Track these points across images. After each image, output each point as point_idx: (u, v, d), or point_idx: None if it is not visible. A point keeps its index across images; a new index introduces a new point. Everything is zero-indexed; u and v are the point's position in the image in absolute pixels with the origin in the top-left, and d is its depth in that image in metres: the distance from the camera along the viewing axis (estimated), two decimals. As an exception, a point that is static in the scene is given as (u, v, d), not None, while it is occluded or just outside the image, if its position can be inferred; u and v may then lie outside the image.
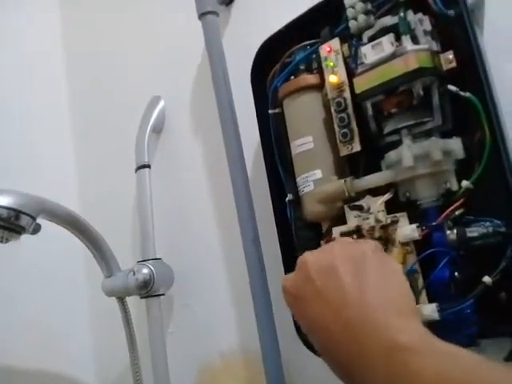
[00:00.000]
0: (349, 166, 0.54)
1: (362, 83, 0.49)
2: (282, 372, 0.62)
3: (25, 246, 0.70)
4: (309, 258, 0.38)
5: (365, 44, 0.50)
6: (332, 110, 0.53)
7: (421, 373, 0.28)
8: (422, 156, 0.46)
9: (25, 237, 0.65)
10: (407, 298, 0.35)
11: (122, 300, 0.76)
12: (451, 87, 0.46)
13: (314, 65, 0.56)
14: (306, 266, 0.38)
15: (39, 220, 0.65)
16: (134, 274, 0.73)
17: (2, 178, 0.82)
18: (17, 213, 0.62)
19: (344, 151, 0.52)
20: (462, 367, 0.28)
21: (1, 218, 0.61)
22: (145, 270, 0.73)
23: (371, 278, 0.35)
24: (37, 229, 0.66)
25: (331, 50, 0.53)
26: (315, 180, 0.54)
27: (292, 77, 0.57)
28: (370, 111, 0.50)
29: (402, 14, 0.47)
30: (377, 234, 0.49)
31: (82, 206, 0.91)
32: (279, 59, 0.58)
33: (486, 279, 0.43)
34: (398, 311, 0.33)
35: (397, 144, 0.48)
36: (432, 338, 0.31)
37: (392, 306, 0.33)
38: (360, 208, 0.50)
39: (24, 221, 0.63)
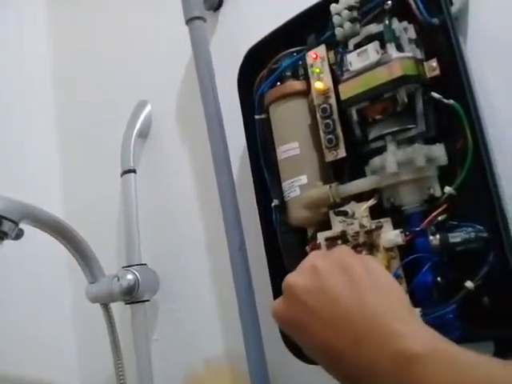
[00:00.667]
0: (334, 172, 0.55)
1: (348, 90, 0.50)
2: (267, 378, 0.62)
3: (7, 252, 0.69)
4: (294, 280, 0.36)
5: (350, 51, 0.50)
6: (318, 116, 0.53)
7: (433, 381, 0.27)
8: (405, 162, 0.47)
9: (7, 242, 0.64)
10: (403, 299, 0.34)
11: (106, 306, 0.75)
12: (435, 94, 0.47)
13: (300, 71, 0.57)
14: (294, 291, 0.36)
15: (22, 225, 0.65)
16: (119, 280, 0.72)
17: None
18: (-1, 218, 0.61)
19: (329, 157, 0.53)
20: (474, 373, 0.27)
21: (-18, 222, 0.60)
22: (129, 276, 0.73)
23: (363, 284, 0.34)
24: (19, 234, 0.65)
25: (317, 57, 0.54)
26: (301, 185, 0.54)
27: (278, 83, 0.57)
28: (354, 117, 0.50)
29: (387, 22, 0.48)
30: (361, 239, 0.49)
31: (66, 211, 0.91)
32: (266, 65, 0.59)
33: (469, 284, 0.44)
34: (400, 315, 0.32)
35: (381, 150, 0.49)
36: (442, 344, 0.30)
37: (392, 310, 0.32)
38: (345, 213, 0.50)
39: (6, 226, 0.62)
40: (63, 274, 0.94)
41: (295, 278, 0.37)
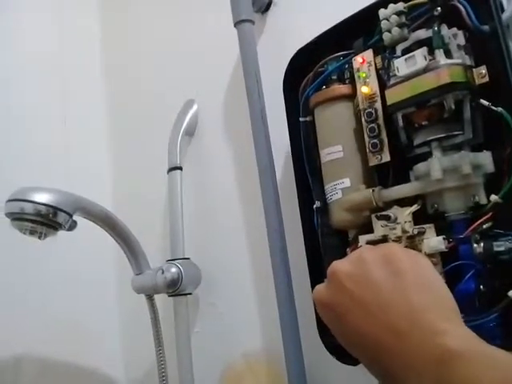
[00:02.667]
0: (377, 176, 0.55)
1: (394, 95, 0.50)
2: (304, 375, 0.63)
3: (59, 242, 0.73)
4: (339, 267, 0.37)
5: (398, 56, 0.50)
6: (362, 120, 0.54)
7: (476, 379, 0.27)
8: (451, 169, 0.47)
9: (60, 233, 0.68)
10: (448, 297, 0.34)
11: (150, 297, 0.78)
12: (483, 102, 0.47)
13: (346, 75, 0.57)
14: (337, 276, 0.36)
15: (75, 217, 0.68)
16: (163, 273, 0.75)
17: (42, 178, 0.85)
18: (55, 210, 0.64)
19: (373, 161, 0.53)
20: None
21: (40, 214, 0.63)
22: (173, 269, 0.75)
23: (409, 278, 0.33)
24: (73, 225, 0.69)
25: (364, 62, 0.54)
26: (343, 188, 0.55)
27: (324, 86, 0.58)
28: (400, 122, 0.50)
29: (436, 28, 0.48)
30: (403, 244, 0.49)
31: (115, 204, 0.94)
32: (312, 69, 0.59)
33: (511, 294, 0.43)
34: (443, 313, 0.32)
35: (426, 156, 0.49)
36: (483, 345, 0.30)
37: (436, 307, 0.32)
38: (387, 218, 0.50)
39: (61, 217, 0.65)
40: (110, 265, 0.98)
41: (341, 265, 0.37)
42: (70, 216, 0.67)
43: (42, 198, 0.64)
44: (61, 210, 0.65)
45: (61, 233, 0.68)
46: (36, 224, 0.64)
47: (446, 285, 0.35)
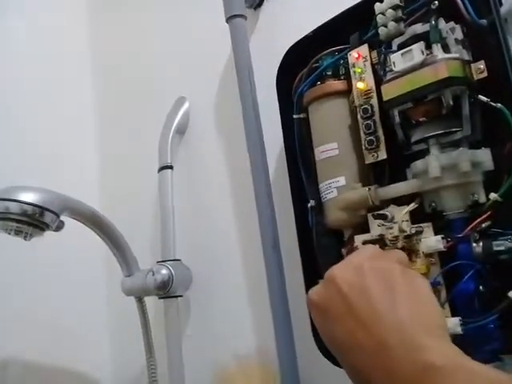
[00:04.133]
0: (373, 174, 0.54)
1: (390, 90, 0.48)
2: (298, 379, 0.61)
3: (45, 243, 0.71)
4: (338, 272, 0.37)
5: (394, 51, 0.49)
6: (358, 116, 0.53)
7: None
8: (449, 166, 0.45)
9: (47, 233, 0.66)
10: (437, 315, 0.35)
11: (140, 300, 0.76)
12: (482, 97, 0.46)
13: (341, 71, 0.56)
14: (335, 281, 0.37)
15: (62, 217, 0.66)
16: (153, 274, 0.73)
17: (28, 177, 0.83)
18: (41, 209, 0.63)
19: (369, 159, 0.52)
20: None
21: (26, 214, 0.62)
22: (164, 271, 0.74)
23: (402, 295, 0.35)
24: (60, 226, 0.67)
25: (360, 57, 0.53)
26: (338, 187, 0.54)
27: (318, 82, 0.57)
28: (397, 119, 0.49)
29: (433, 22, 0.47)
30: (400, 243, 0.48)
31: (103, 204, 0.92)
32: (305, 64, 0.58)
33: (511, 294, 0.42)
34: (429, 330, 0.33)
35: (424, 153, 0.48)
36: (464, 360, 0.30)
37: (423, 324, 0.33)
38: (384, 217, 0.49)
39: (48, 218, 0.64)
40: (98, 267, 0.96)
41: (341, 270, 0.38)
42: (58, 216, 0.65)
43: (28, 197, 0.62)
44: (48, 210, 0.63)
45: (48, 233, 0.66)
46: (22, 224, 0.62)
47: (443, 288, 0.39)
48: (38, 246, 0.69)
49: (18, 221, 0.62)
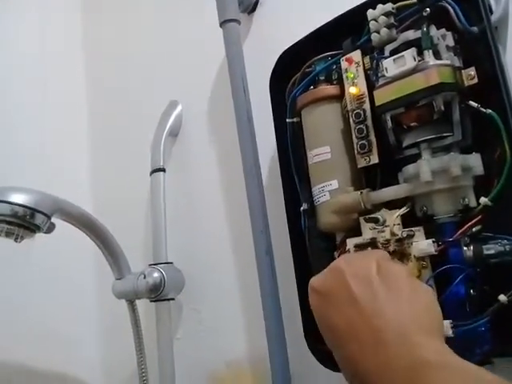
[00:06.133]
0: (365, 178, 0.54)
1: (383, 95, 0.49)
2: (289, 382, 0.61)
3: (36, 245, 0.70)
4: (345, 263, 0.39)
5: (386, 57, 0.50)
6: (351, 121, 0.53)
7: None
8: (440, 171, 0.46)
9: (37, 236, 0.66)
10: (435, 316, 0.36)
11: (131, 303, 0.76)
12: (472, 103, 0.46)
13: (334, 76, 0.57)
14: (341, 269, 0.38)
15: (53, 219, 0.66)
16: (145, 277, 0.73)
17: (18, 178, 0.82)
18: (32, 211, 0.62)
19: (361, 163, 0.52)
20: None
21: (16, 215, 0.61)
22: (156, 274, 0.73)
23: (405, 296, 0.36)
24: (51, 228, 0.66)
25: (352, 62, 0.54)
26: (331, 190, 0.54)
27: (311, 87, 0.57)
28: (389, 124, 0.50)
29: (425, 29, 0.47)
30: (392, 247, 0.49)
31: (95, 207, 0.92)
32: (299, 69, 0.59)
33: (502, 298, 0.43)
34: (426, 328, 0.34)
35: (415, 158, 0.48)
36: (456, 358, 0.31)
37: (421, 322, 0.34)
38: (376, 220, 0.50)
39: (39, 219, 0.63)
40: (89, 270, 0.95)
41: (348, 263, 0.39)
42: (49, 218, 0.65)
43: (19, 198, 0.61)
44: (38, 212, 0.63)
45: (38, 235, 0.65)
46: (12, 226, 0.62)
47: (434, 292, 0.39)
48: (28, 248, 0.69)
49: (8, 222, 0.61)
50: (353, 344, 0.34)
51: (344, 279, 0.37)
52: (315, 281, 0.40)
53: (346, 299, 0.36)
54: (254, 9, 0.73)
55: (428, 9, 0.48)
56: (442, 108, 0.46)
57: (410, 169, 0.48)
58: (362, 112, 0.52)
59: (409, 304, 0.35)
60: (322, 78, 0.57)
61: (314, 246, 0.57)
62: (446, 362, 0.30)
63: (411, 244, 0.47)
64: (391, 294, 0.36)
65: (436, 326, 0.36)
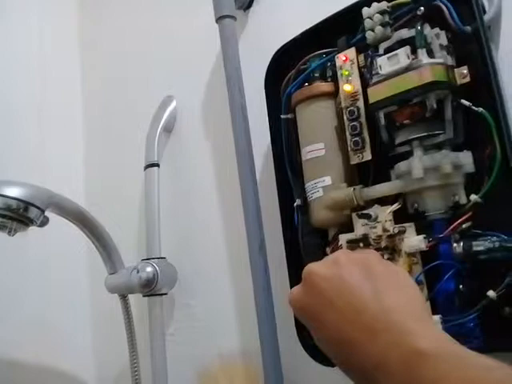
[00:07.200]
0: (358, 175, 0.55)
1: (376, 93, 0.50)
2: (281, 378, 0.62)
3: (28, 239, 0.70)
4: (314, 269, 0.37)
5: (380, 55, 0.50)
6: (345, 118, 0.54)
7: (442, 379, 0.27)
8: (432, 168, 0.47)
9: (29, 229, 0.66)
10: (419, 300, 0.35)
11: (124, 297, 0.76)
12: (464, 102, 0.47)
13: (329, 73, 0.57)
14: (312, 277, 0.36)
15: (47, 213, 0.66)
16: (138, 272, 0.73)
17: (12, 171, 0.82)
18: (26, 204, 0.62)
19: (355, 159, 0.53)
20: (486, 374, 0.27)
21: (10, 208, 0.61)
22: (149, 269, 0.74)
23: (382, 281, 0.34)
24: (45, 221, 0.66)
25: (347, 59, 0.54)
26: (324, 186, 0.55)
27: (306, 84, 0.58)
28: (382, 121, 0.50)
29: (419, 28, 0.48)
30: (383, 243, 0.49)
31: (89, 201, 0.92)
32: (294, 66, 0.59)
33: (491, 293, 0.43)
34: (415, 315, 0.32)
35: (407, 155, 0.49)
36: (451, 344, 0.30)
37: (408, 309, 0.33)
38: (368, 216, 0.50)
39: (33, 213, 0.63)
40: (82, 264, 0.95)
41: (316, 267, 0.37)
42: (42, 211, 0.65)
43: (13, 191, 0.61)
44: (32, 205, 0.63)
45: (32, 229, 0.65)
46: (6, 219, 0.62)
47: (424, 287, 0.38)
48: (21, 242, 0.69)
49: (1, 215, 0.61)
50: (346, 349, 0.33)
51: (317, 285, 0.35)
52: (294, 295, 0.38)
53: (324, 307, 0.34)
54: (249, 5, 0.73)
55: (422, 8, 0.48)
56: (435, 106, 0.47)
57: (402, 166, 0.49)
58: (355, 109, 0.53)
59: (389, 289, 0.34)
60: (316, 75, 0.57)
61: (306, 241, 0.57)
62: (443, 352, 0.29)
63: (402, 240, 0.48)
64: (368, 284, 0.34)
65: (421, 306, 0.34)
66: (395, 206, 0.49)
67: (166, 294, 0.77)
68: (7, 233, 0.63)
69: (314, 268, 0.37)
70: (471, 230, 0.46)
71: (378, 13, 0.51)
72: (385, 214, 0.49)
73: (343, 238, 0.52)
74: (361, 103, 0.53)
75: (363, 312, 0.33)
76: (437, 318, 0.44)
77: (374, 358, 0.31)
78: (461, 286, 0.45)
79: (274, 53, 0.63)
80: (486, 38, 0.46)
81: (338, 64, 0.55)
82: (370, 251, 0.40)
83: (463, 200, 0.47)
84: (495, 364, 0.28)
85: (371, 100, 0.50)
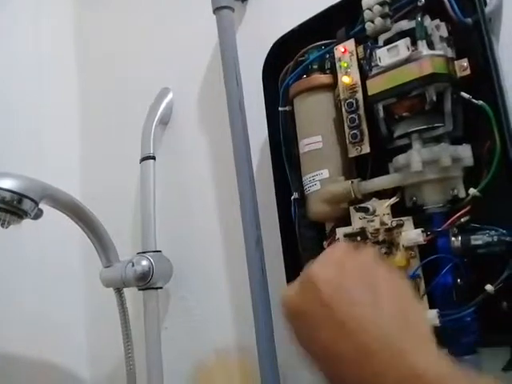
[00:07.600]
0: (356, 168, 0.54)
1: (375, 85, 0.49)
2: (277, 371, 0.61)
3: (23, 231, 0.69)
4: (318, 271, 0.33)
5: (380, 47, 0.50)
6: (343, 110, 0.53)
7: None
8: (430, 161, 0.46)
9: (24, 222, 0.65)
10: (423, 323, 0.33)
11: (119, 291, 0.75)
12: (464, 94, 0.46)
13: (327, 65, 0.56)
14: (314, 281, 0.33)
15: (41, 205, 0.65)
16: (133, 266, 0.72)
17: (7, 163, 0.81)
18: (20, 196, 0.61)
19: (353, 152, 0.52)
20: None
21: (4, 200, 0.60)
22: (144, 262, 0.73)
23: (387, 301, 0.32)
24: (39, 214, 0.66)
25: (346, 51, 0.54)
26: (322, 180, 0.54)
27: (304, 76, 0.57)
28: (381, 113, 0.50)
29: (419, 19, 0.47)
30: (381, 236, 0.49)
31: (84, 194, 0.91)
32: (292, 57, 0.59)
33: (489, 288, 0.43)
34: (415, 336, 0.31)
35: (406, 148, 0.49)
36: (451, 367, 0.29)
37: (409, 330, 0.31)
38: (366, 210, 0.50)
39: (27, 205, 0.62)
40: (77, 257, 0.94)
41: (321, 270, 0.34)
42: (36, 204, 0.64)
43: (7, 183, 0.61)
44: (26, 197, 0.62)
45: (25, 221, 0.65)
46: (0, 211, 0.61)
47: (421, 281, 0.37)
48: (15, 235, 0.68)
49: (-5, 207, 0.61)
50: (337, 364, 0.31)
51: (318, 292, 0.32)
52: (289, 297, 0.35)
53: (324, 316, 0.32)
54: (247, -3, 0.72)
55: (423, -1, 0.48)
56: (434, 98, 0.46)
57: (400, 159, 0.48)
58: (354, 101, 0.52)
59: (390, 306, 0.32)
60: (315, 66, 0.57)
61: (303, 235, 0.57)
62: (442, 374, 0.28)
63: (400, 233, 0.48)
64: (369, 297, 0.32)
65: (423, 326, 0.33)
66: (393, 200, 0.49)
67: (161, 287, 0.76)
68: (0, 225, 0.62)
69: (317, 270, 0.34)
70: (470, 224, 0.46)
71: (377, 4, 0.50)
72: (383, 207, 0.49)
73: (340, 232, 0.52)
74: (359, 95, 0.52)
75: (363, 331, 0.31)
76: (434, 312, 0.44)
77: (370, 377, 0.29)
78: (458, 280, 0.45)
79: (272, 44, 0.62)
80: (486, 31, 0.46)
81: (336, 56, 0.54)
82: (374, 252, 0.38)
83: (462, 194, 0.46)
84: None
85: (370, 92, 0.50)
